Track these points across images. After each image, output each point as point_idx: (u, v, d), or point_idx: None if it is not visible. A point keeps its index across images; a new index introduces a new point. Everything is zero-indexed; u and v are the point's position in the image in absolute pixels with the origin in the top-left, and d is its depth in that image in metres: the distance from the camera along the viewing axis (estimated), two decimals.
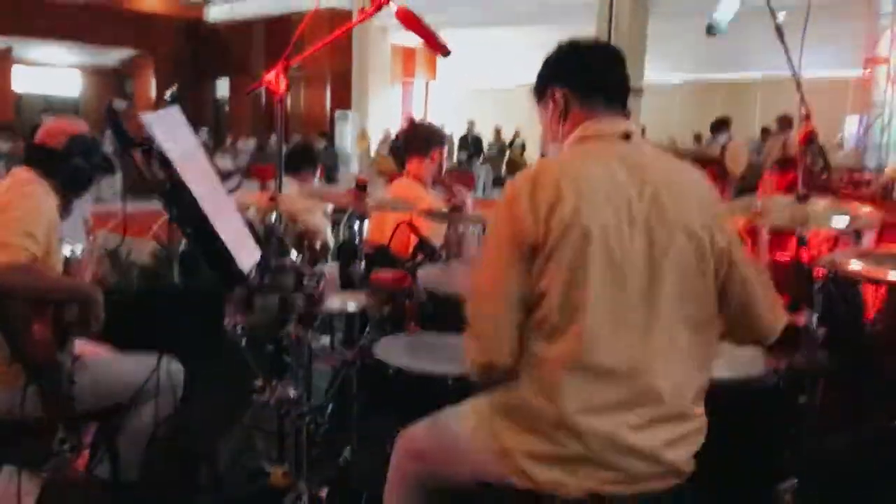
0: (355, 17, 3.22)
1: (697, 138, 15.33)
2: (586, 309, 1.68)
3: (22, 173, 2.59)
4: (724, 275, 1.77)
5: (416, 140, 4.00)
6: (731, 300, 1.79)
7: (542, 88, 1.94)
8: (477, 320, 1.78)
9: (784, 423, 2.50)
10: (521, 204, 1.72)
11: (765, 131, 14.71)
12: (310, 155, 5.43)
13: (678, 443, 1.74)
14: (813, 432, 2.49)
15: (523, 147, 20.45)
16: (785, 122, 9.87)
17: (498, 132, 20.89)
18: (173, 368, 2.64)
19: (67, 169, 2.60)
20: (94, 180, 2.70)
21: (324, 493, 2.67)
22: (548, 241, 1.68)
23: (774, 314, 1.86)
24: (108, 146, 2.75)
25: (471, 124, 20.78)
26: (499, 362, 1.75)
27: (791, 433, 2.52)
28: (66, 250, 2.80)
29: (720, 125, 9.36)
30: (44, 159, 2.60)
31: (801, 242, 2.67)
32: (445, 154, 4.12)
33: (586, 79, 1.89)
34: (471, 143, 20.33)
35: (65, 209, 2.66)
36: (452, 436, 1.92)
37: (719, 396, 1.88)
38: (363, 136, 20.67)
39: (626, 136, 1.81)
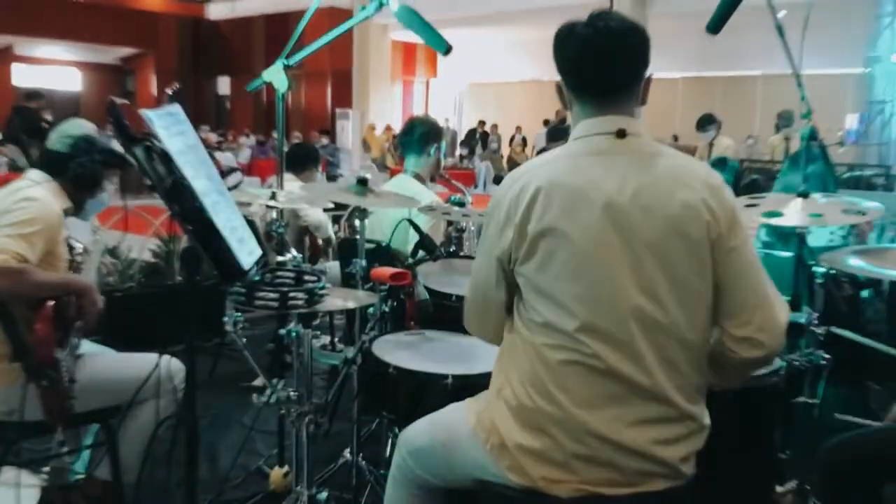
0: (355, 14, 3.21)
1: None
2: (576, 308, 1.69)
3: (33, 175, 2.67)
4: (722, 273, 1.74)
5: (413, 136, 3.99)
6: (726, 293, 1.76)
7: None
8: (468, 301, 1.98)
9: (784, 423, 2.50)
10: (501, 210, 1.79)
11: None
12: (312, 154, 5.49)
13: (674, 441, 1.72)
14: (812, 434, 2.49)
15: (524, 143, 20.43)
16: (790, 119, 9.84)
17: (495, 127, 20.87)
18: (174, 368, 2.64)
19: (74, 170, 2.67)
20: (104, 178, 2.76)
21: (324, 493, 2.67)
22: (525, 245, 1.73)
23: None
24: (116, 142, 2.78)
25: (481, 124, 20.82)
26: (485, 338, 2.00)
27: (790, 435, 2.52)
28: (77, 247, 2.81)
29: (707, 121, 9.34)
30: (51, 162, 2.69)
31: (803, 239, 2.67)
32: (445, 150, 4.10)
33: (575, 78, 1.83)
34: (478, 140, 20.36)
35: (79, 208, 2.74)
36: (453, 432, 1.92)
37: (719, 396, 1.87)
38: (371, 130, 20.68)
39: (621, 134, 1.77)
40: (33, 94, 10.63)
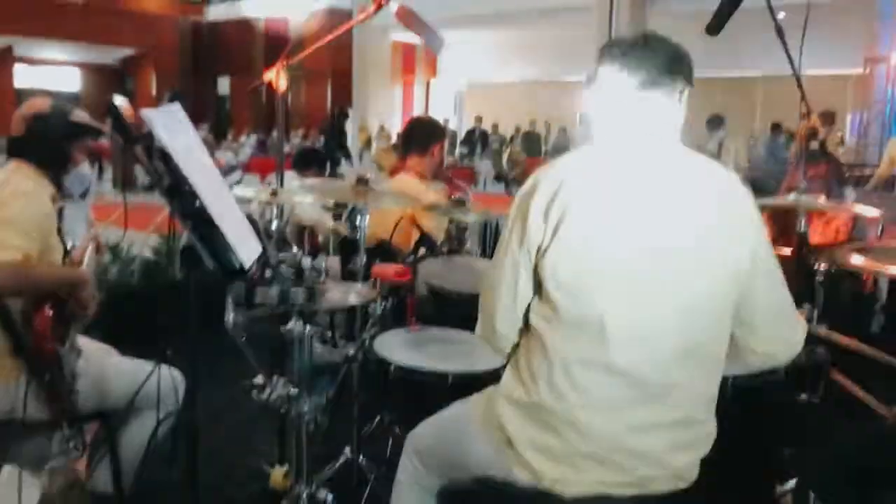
0: (355, 16, 3.21)
1: None
2: (596, 309, 1.67)
3: (13, 165, 2.59)
4: (741, 287, 1.73)
5: (416, 136, 4.00)
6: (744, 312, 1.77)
7: None
8: (483, 298, 1.89)
9: (784, 422, 2.50)
10: (530, 203, 1.73)
11: (775, 127, 14.65)
12: (318, 157, 5.58)
13: (685, 448, 1.73)
14: (813, 432, 2.49)
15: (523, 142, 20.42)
16: (828, 118, 9.77)
17: (495, 127, 20.87)
18: (176, 377, 2.63)
19: (36, 151, 2.58)
20: (71, 151, 2.66)
21: (324, 493, 2.66)
22: (551, 242, 1.70)
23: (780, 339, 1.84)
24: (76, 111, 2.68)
25: (478, 120, 20.79)
26: (491, 342, 1.89)
27: (791, 433, 2.52)
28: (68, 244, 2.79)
29: (717, 122, 9.34)
30: (14, 148, 2.61)
31: (803, 238, 2.67)
32: (446, 149, 4.11)
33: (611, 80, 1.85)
34: (478, 139, 20.33)
35: (60, 189, 2.65)
36: (460, 429, 1.91)
37: (719, 395, 1.87)
38: (362, 129, 20.70)
39: (654, 137, 1.78)
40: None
